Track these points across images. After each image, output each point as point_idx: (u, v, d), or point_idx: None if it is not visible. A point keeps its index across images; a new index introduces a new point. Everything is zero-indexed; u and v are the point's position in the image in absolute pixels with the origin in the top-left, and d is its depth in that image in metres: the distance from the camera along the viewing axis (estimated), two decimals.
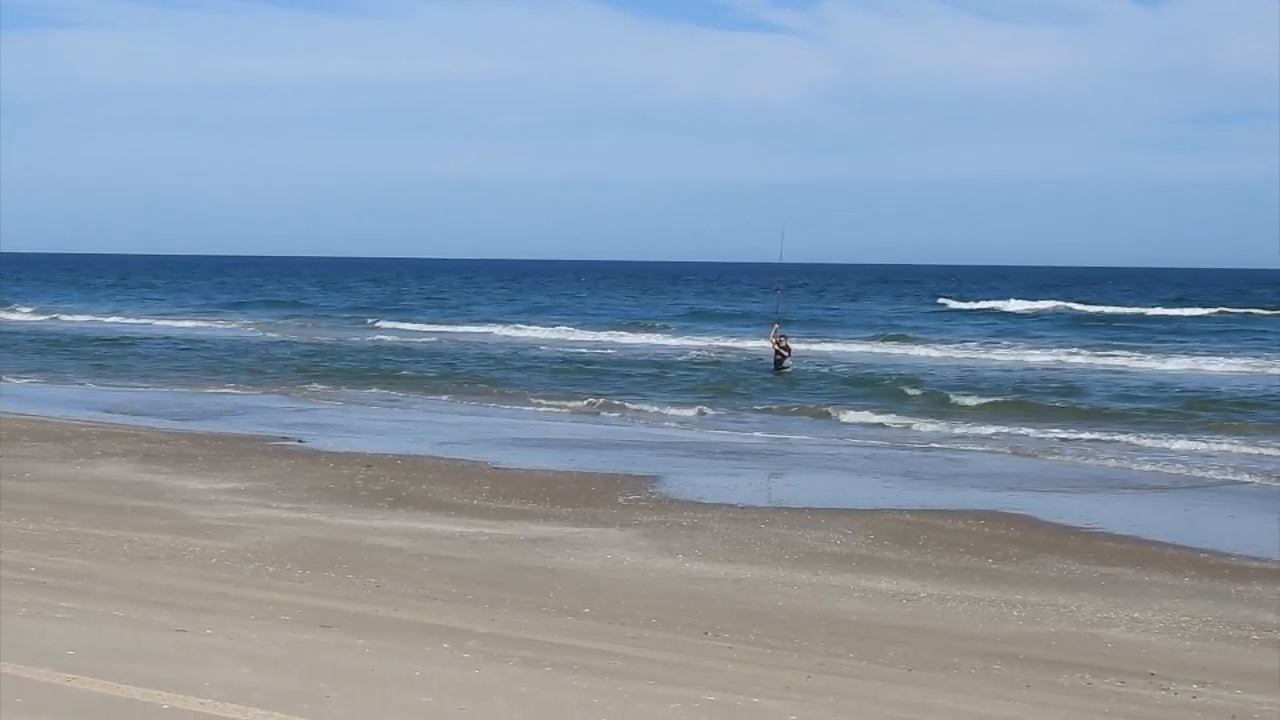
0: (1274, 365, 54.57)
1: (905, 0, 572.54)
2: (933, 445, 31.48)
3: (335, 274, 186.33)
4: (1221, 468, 28.37)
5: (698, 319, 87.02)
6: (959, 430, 34.11)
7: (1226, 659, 14.15)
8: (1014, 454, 30.35)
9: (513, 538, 19.22)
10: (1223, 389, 44.98)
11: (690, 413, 37.48)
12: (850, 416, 36.65)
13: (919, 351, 62.17)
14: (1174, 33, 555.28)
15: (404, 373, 48.11)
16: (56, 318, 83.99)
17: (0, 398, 37.25)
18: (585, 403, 39.28)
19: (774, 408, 38.52)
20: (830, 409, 38.03)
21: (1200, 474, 27.69)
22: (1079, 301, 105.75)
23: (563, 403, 39.33)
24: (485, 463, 26.67)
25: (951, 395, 41.32)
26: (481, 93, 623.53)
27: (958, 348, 64.35)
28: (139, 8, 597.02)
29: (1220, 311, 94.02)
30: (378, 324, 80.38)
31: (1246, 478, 27.34)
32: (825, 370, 49.95)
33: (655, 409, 37.87)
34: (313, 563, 16.64)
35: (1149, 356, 58.50)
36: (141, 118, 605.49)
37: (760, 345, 57.28)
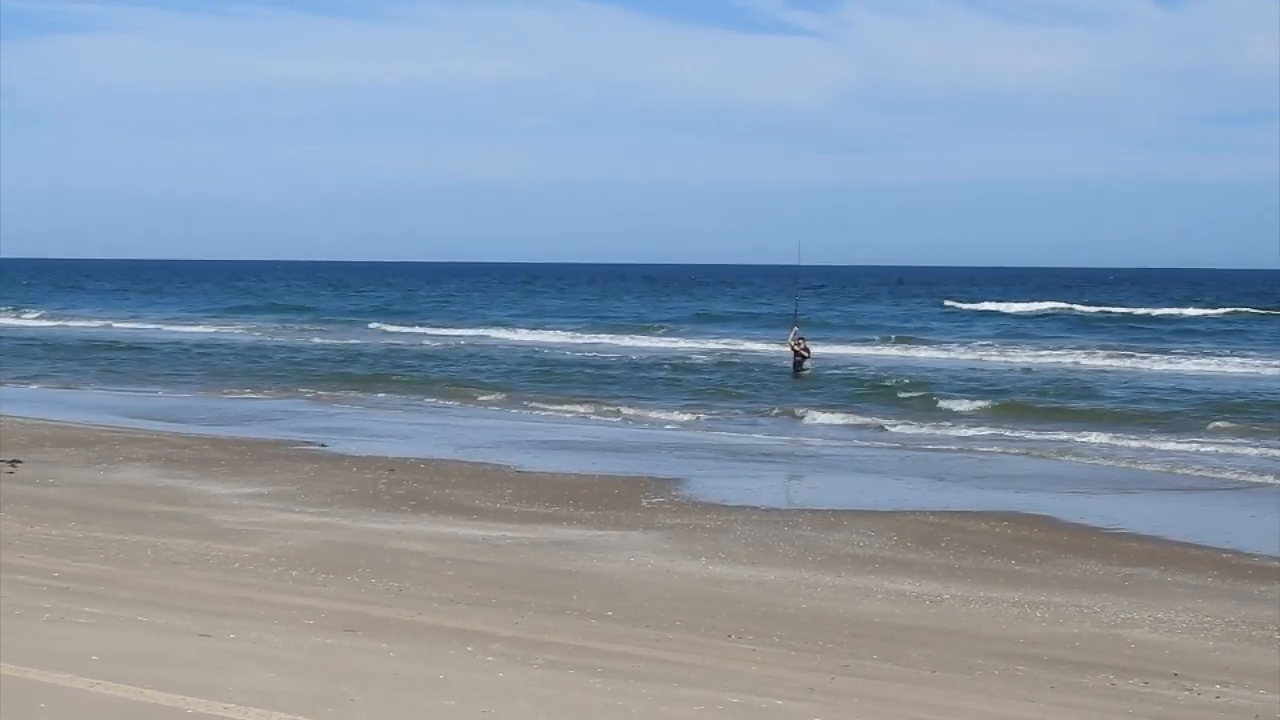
0: None
1: (925, 2, 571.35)
2: (952, 447, 31.42)
3: (346, 277, 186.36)
4: (1242, 470, 28.28)
5: (709, 321, 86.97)
6: (976, 432, 34.02)
7: (1250, 659, 14.12)
8: (1033, 456, 30.29)
9: (536, 541, 19.23)
10: (1246, 390, 44.83)
11: (707, 415, 37.49)
12: (865, 419, 36.57)
13: (932, 354, 62.00)
14: (1194, 33, 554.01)
15: (421, 377, 48.12)
16: (66, 324, 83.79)
17: (19, 402, 37.37)
18: (599, 406, 39.26)
19: (791, 410, 38.43)
20: (843, 411, 38.00)
21: (1221, 475, 27.62)
22: (1093, 304, 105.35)
23: (576, 407, 39.27)
24: (508, 466, 26.69)
25: (965, 397, 41.19)
26: (498, 95, 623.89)
27: (971, 349, 64.24)
28: (145, 11, 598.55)
29: (1233, 311, 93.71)
30: (392, 328, 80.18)
31: (1270, 479, 27.26)
32: (838, 373, 49.81)
33: (667, 413, 37.75)
34: (336, 567, 16.67)
35: (1162, 357, 58.39)
36: (158, 121, 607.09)
37: (768, 348, 57.39)
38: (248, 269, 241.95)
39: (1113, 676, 13.16)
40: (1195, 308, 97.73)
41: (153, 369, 51.61)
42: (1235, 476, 27.44)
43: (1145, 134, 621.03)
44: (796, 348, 50.16)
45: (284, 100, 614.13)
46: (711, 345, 66.46)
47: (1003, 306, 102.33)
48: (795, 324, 52.52)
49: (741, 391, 43.74)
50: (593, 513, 21.73)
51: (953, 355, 61.60)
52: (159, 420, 33.95)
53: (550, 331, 76.36)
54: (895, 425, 35.28)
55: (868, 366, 53.35)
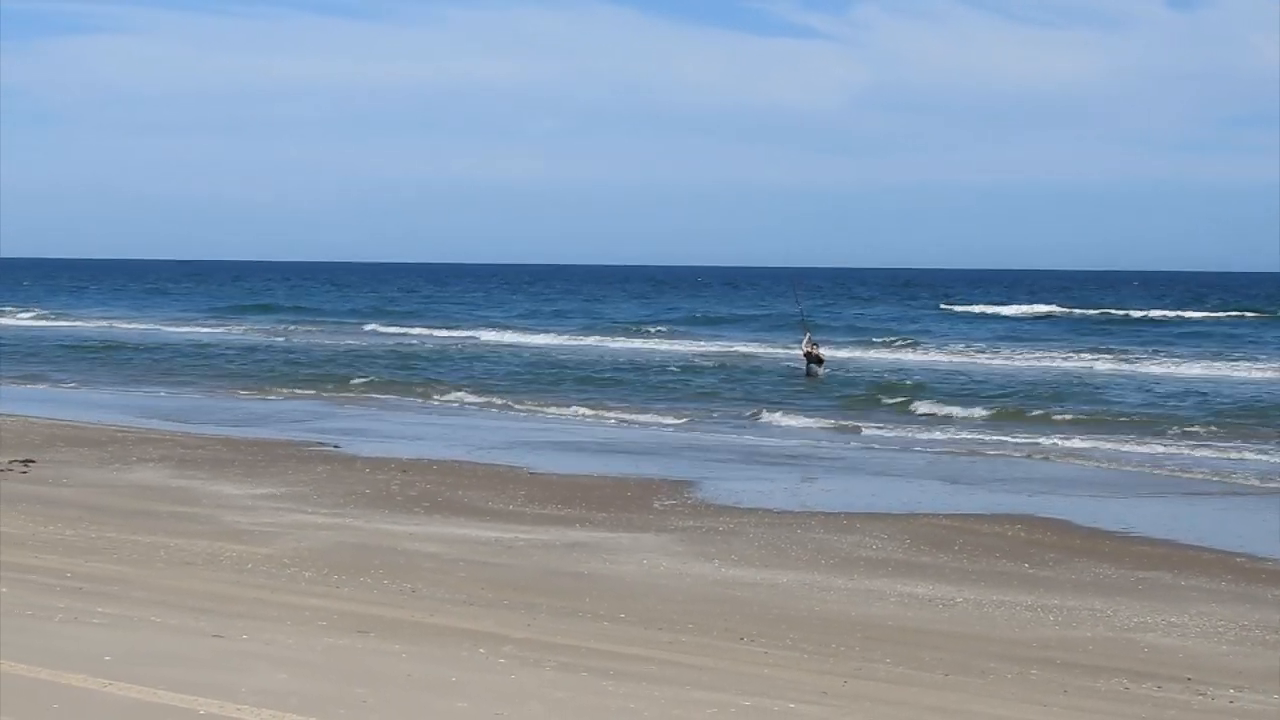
0: None
1: (938, 5, 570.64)
2: (963, 450, 31.38)
3: (352, 278, 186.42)
4: (1252, 474, 28.19)
5: (718, 324, 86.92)
6: (988, 436, 34.00)
7: (1264, 663, 14.09)
8: (1046, 459, 30.25)
9: (549, 543, 19.23)
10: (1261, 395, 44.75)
11: (708, 417, 37.51)
12: (868, 422, 36.51)
13: (936, 357, 61.92)
14: (1207, 35, 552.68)
15: (426, 379, 48.07)
16: (66, 324, 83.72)
17: (29, 401, 37.41)
18: (604, 409, 39.24)
19: (803, 413, 38.40)
20: (855, 414, 37.97)
21: (1230, 479, 27.55)
22: (1101, 306, 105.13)
23: (582, 409, 39.24)
24: (520, 468, 26.69)
25: (976, 400, 41.13)
26: (504, 95, 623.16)
27: (980, 351, 64.18)
28: (147, 11, 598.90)
29: (1238, 315, 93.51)
30: (393, 329, 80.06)
31: None
32: (842, 376, 49.75)
33: (673, 417, 37.69)
34: (349, 568, 16.68)
35: (1168, 359, 58.29)
36: (160, 121, 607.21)
37: (771, 351, 57.34)
38: (251, 269, 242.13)
39: (1126, 680, 13.14)
40: (1198, 310, 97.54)
41: (160, 369, 51.70)
42: (1245, 481, 27.37)
43: (1160, 136, 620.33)
44: (811, 352, 50.11)
45: (286, 101, 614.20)
46: (708, 348, 66.35)
47: (1003, 309, 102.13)
48: (807, 328, 52.49)
49: (752, 395, 43.66)
50: (605, 515, 21.73)
51: (951, 356, 61.52)
52: (171, 420, 33.99)
53: (550, 334, 76.32)
54: (899, 429, 35.27)
55: (869, 369, 53.33)
